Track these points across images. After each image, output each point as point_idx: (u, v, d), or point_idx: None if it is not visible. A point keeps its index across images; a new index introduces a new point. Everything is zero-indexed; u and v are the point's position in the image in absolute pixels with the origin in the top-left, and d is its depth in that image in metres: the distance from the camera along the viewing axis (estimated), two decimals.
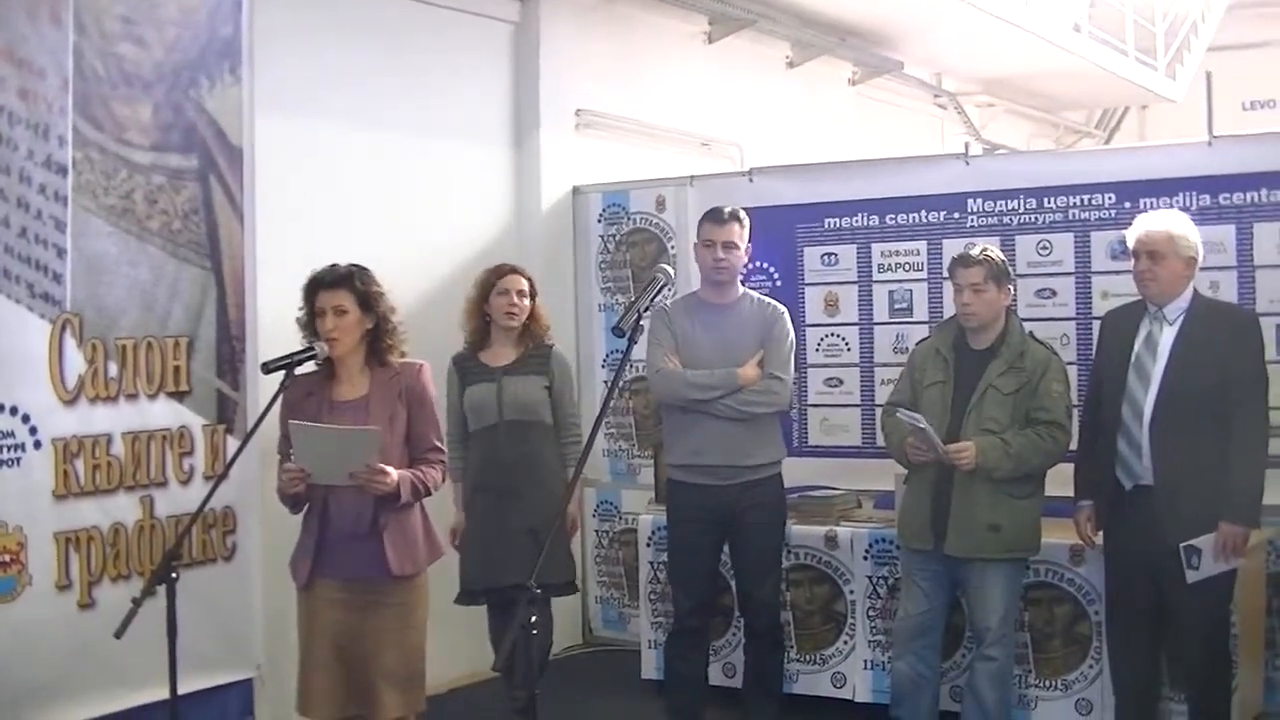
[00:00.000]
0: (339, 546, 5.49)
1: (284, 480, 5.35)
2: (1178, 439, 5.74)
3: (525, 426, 6.81)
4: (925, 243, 7.74)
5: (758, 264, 7.88)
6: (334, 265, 5.55)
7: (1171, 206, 6.73)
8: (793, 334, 6.66)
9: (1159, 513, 5.75)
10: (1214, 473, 5.70)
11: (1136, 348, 5.93)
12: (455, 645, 7.22)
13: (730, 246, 6.58)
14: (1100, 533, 6.15)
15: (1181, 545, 5.68)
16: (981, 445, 5.97)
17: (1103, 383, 6.08)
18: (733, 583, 6.95)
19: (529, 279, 6.95)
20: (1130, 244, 6.00)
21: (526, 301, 6.88)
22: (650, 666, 7.69)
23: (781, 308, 6.70)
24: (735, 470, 6.53)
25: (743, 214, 6.66)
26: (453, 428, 6.75)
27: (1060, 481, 6.26)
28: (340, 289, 5.46)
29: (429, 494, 5.63)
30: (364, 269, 5.57)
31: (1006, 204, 7.52)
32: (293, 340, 5.55)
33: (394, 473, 5.38)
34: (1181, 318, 5.88)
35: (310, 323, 5.52)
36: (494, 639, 6.90)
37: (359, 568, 5.47)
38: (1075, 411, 6.33)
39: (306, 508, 5.54)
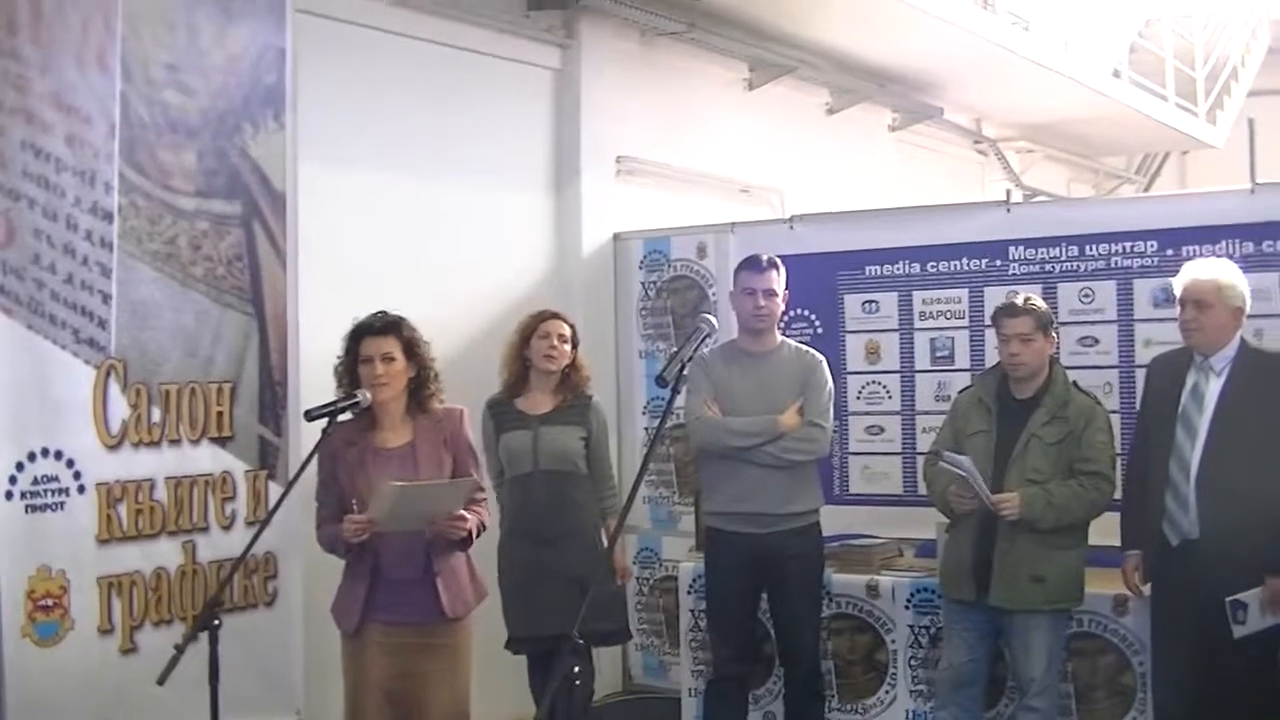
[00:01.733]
0: (390, 590, 5.50)
1: (349, 530, 5.35)
2: (1225, 493, 5.69)
3: (561, 476, 6.72)
4: (967, 290, 7.70)
5: (798, 311, 7.86)
6: (380, 312, 5.58)
7: (1214, 254, 6.67)
8: (831, 382, 6.68)
9: (1206, 568, 5.70)
10: (1262, 526, 5.62)
11: (1183, 400, 5.89)
12: (496, 690, 7.17)
13: (770, 294, 6.59)
14: (1148, 584, 6.11)
15: (1227, 600, 5.63)
16: (1025, 496, 5.94)
17: (1149, 433, 6.05)
18: (773, 631, 6.92)
19: (571, 326, 6.88)
20: (1176, 292, 5.97)
21: (567, 347, 6.80)
22: (690, 715, 7.62)
23: (820, 356, 6.71)
24: (774, 518, 6.53)
25: (779, 261, 6.67)
26: (489, 474, 6.71)
27: (1104, 531, 6.22)
28: (388, 336, 5.49)
29: (484, 531, 5.69)
30: (402, 316, 5.61)
31: (1048, 251, 7.47)
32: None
33: (470, 517, 5.44)
34: (1228, 368, 5.84)
35: (349, 371, 5.54)
36: (534, 688, 6.83)
37: (412, 611, 5.49)
38: (1119, 461, 6.30)
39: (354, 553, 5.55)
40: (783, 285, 6.65)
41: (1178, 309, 5.98)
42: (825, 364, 6.67)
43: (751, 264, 6.68)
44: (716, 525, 6.70)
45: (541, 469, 6.70)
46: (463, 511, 5.43)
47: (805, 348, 6.78)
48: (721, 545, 6.70)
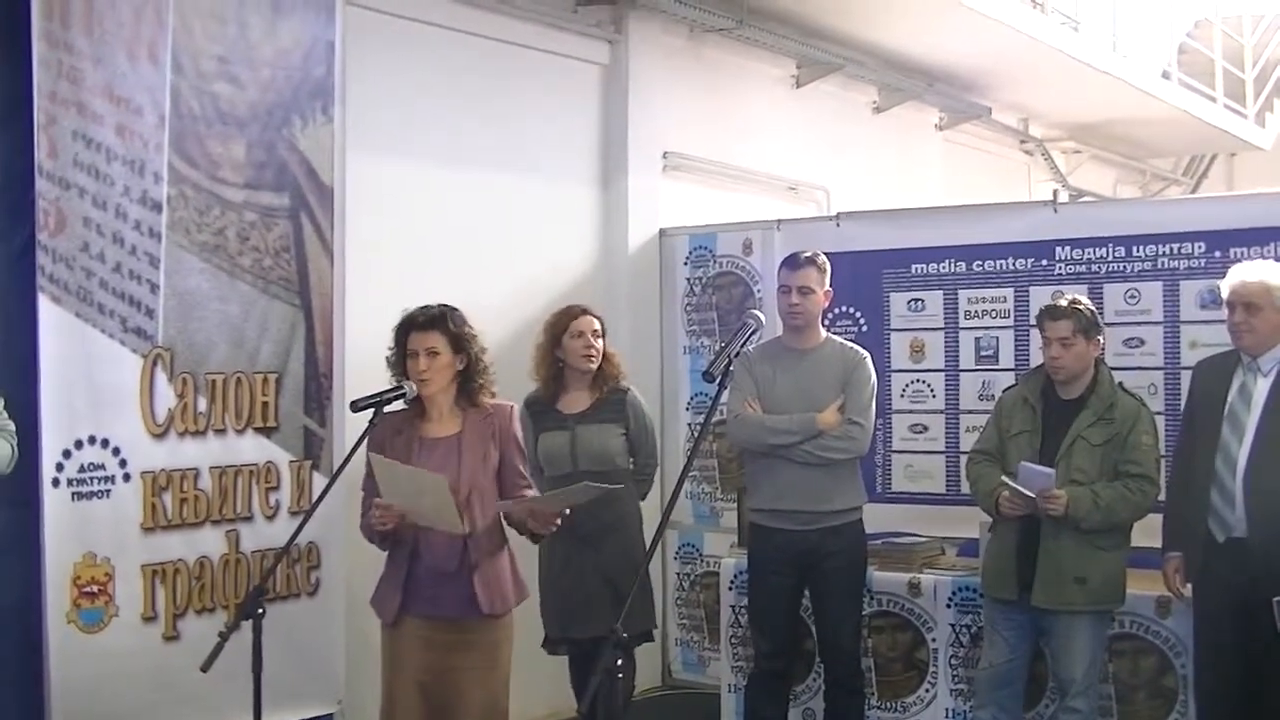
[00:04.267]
0: (428, 584, 5.45)
1: (374, 517, 5.34)
2: (1272, 490, 5.67)
3: (601, 477, 6.41)
4: (1012, 290, 7.67)
5: (843, 309, 7.87)
6: (426, 306, 5.52)
7: (1263, 256, 6.64)
8: (874, 379, 6.64)
9: (1252, 565, 5.68)
10: None
11: (1230, 399, 5.87)
12: (534, 686, 7.18)
13: (806, 291, 6.56)
14: (1189, 585, 6.10)
15: (1275, 600, 5.60)
16: (1073, 495, 5.91)
17: (1195, 433, 6.03)
18: (814, 628, 6.92)
19: (599, 318, 6.79)
20: (1225, 295, 5.96)
21: (600, 342, 6.70)
22: (730, 711, 7.62)
23: (864, 352, 6.68)
24: (813, 516, 6.52)
25: (821, 258, 6.65)
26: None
27: (1147, 532, 6.20)
28: (433, 330, 5.43)
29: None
30: (455, 310, 5.54)
31: (1095, 252, 7.44)
32: (380, 378, 5.55)
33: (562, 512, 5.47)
34: (1276, 369, 5.82)
35: (399, 362, 5.51)
36: (575, 685, 6.80)
37: (449, 605, 5.44)
38: (1163, 463, 6.27)
39: (394, 544, 5.53)
40: (825, 282, 6.63)
41: (1226, 311, 5.96)
42: (869, 361, 6.65)
43: (789, 261, 6.68)
44: (759, 521, 6.70)
45: (581, 470, 6.57)
46: (566, 510, 5.47)
47: (850, 344, 6.76)
48: (763, 542, 6.69)
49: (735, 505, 8.02)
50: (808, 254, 6.65)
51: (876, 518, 7.07)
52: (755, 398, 6.60)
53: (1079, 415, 6.06)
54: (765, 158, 10.17)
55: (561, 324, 6.73)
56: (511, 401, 5.73)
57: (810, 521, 6.52)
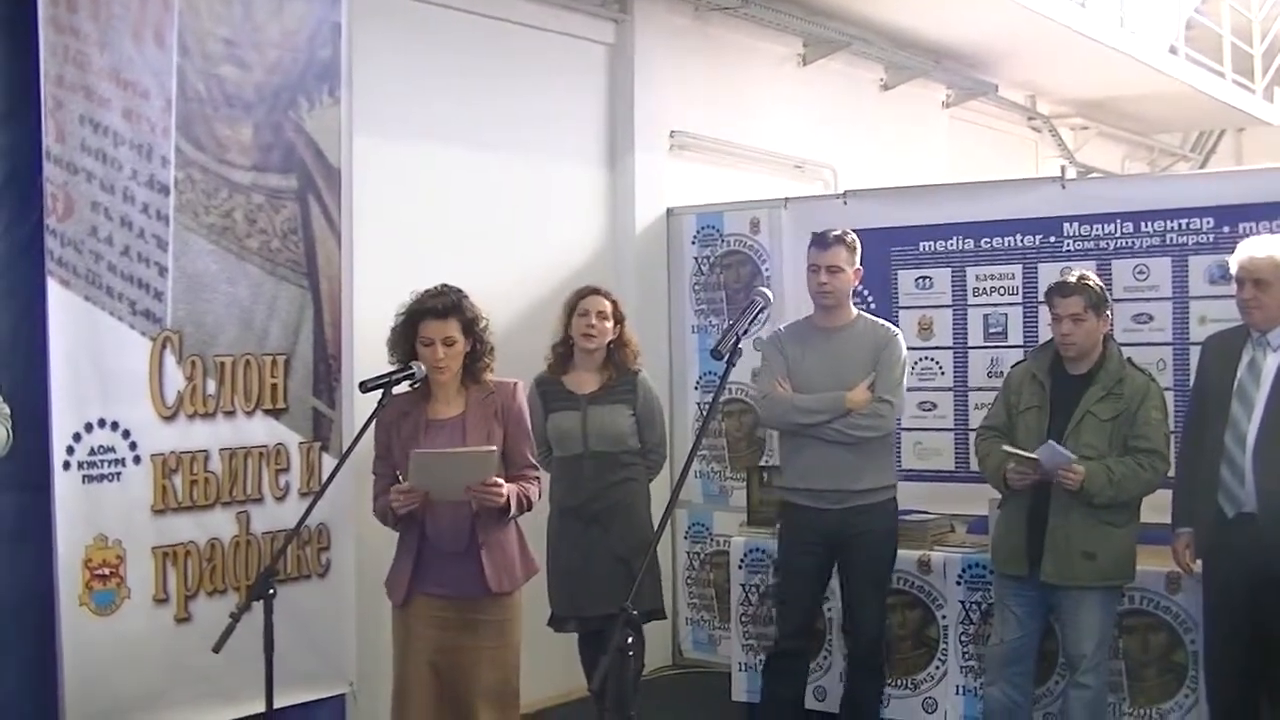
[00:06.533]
0: (437, 563, 5.48)
1: (398, 502, 5.35)
2: None
3: (611, 457, 6.67)
4: (1020, 266, 7.67)
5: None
6: (439, 293, 5.53)
7: (1271, 231, 6.63)
8: (905, 356, 6.63)
9: (1262, 540, 5.68)
10: None
11: (1239, 374, 5.87)
12: (546, 665, 7.19)
13: (835, 270, 6.55)
14: (1199, 560, 6.10)
15: None
16: (1088, 470, 5.91)
17: (1204, 409, 6.02)
18: (828, 607, 6.92)
19: (613, 302, 6.78)
20: (1234, 270, 5.95)
21: (608, 324, 6.70)
22: (740, 689, 7.65)
23: (895, 330, 6.68)
24: (843, 494, 6.51)
25: (850, 237, 6.62)
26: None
27: (1156, 508, 6.20)
28: (450, 318, 5.45)
29: (529, 509, 5.62)
30: (463, 293, 5.57)
31: (1103, 228, 7.43)
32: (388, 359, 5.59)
33: (506, 486, 5.39)
34: None
35: (405, 344, 5.53)
36: (585, 664, 6.83)
37: (457, 584, 5.46)
38: (1172, 438, 6.27)
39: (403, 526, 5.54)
40: (854, 261, 6.61)
41: (1235, 287, 5.95)
42: (900, 338, 6.64)
43: (818, 240, 6.64)
44: (790, 499, 6.70)
45: (591, 450, 6.65)
46: (498, 479, 5.38)
47: (881, 322, 6.76)
48: (794, 519, 6.69)
49: (745, 484, 8.03)
50: (836, 232, 6.61)
51: None
52: (785, 377, 6.59)
53: (1087, 391, 6.05)
54: (772, 136, 10.15)
55: (573, 302, 6.77)
56: (514, 379, 5.74)
57: (838, 500, 6.51)
